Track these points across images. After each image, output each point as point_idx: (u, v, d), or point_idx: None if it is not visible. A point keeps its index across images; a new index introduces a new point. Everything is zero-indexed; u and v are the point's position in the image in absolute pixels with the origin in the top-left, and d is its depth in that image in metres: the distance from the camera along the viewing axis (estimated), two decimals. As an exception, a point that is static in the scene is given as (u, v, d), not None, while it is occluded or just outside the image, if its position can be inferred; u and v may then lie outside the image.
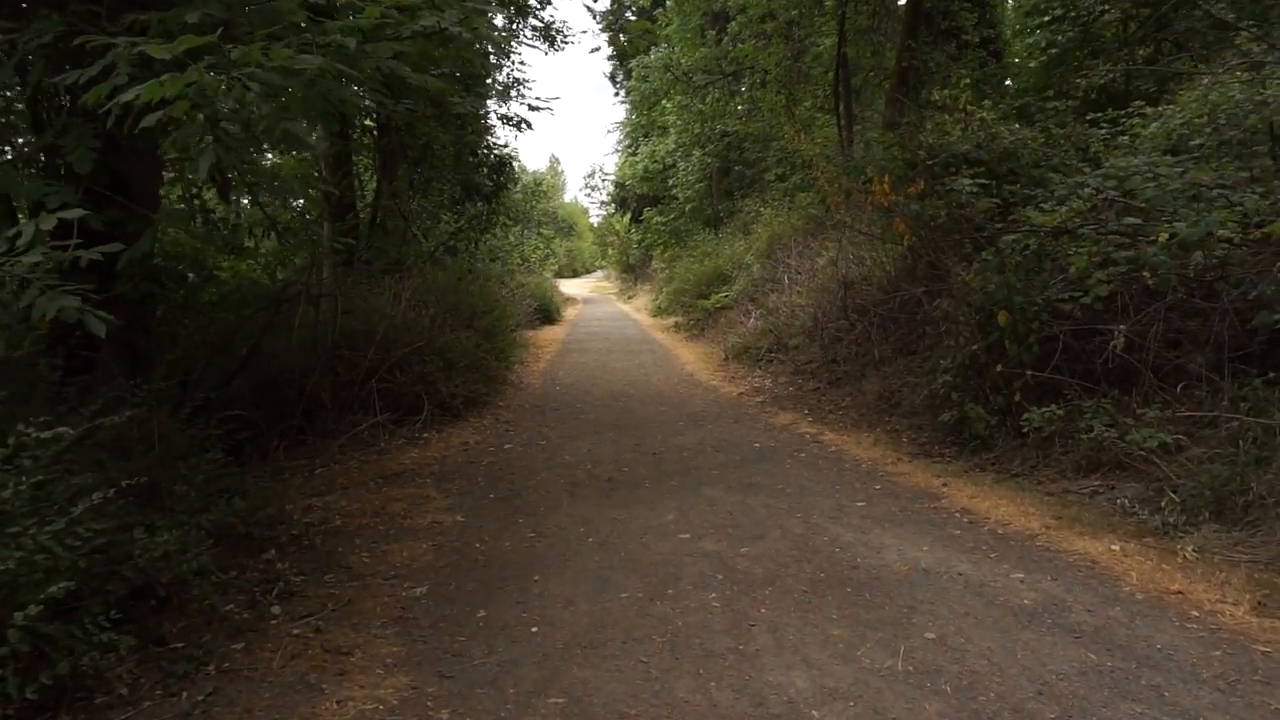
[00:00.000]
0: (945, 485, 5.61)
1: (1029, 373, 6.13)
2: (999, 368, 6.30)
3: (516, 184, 17.78)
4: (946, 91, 9.01)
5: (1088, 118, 8.86)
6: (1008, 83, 15.96)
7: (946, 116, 8.67)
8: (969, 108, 9.22)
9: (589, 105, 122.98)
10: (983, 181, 7.44)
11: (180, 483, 4.03)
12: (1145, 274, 5.75)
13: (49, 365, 4.11)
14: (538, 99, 12.30)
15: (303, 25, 3.01)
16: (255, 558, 4.44)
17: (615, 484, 5.97)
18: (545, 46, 12.85)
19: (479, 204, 13.18)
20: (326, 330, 7.90)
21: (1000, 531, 4.65)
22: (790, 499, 5.45)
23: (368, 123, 12.34)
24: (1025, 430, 5.95)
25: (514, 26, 12.72)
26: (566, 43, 13.42)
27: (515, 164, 15.16)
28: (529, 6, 12.31)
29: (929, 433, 6.95)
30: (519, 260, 23.49)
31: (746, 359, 12.03)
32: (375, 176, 12.06)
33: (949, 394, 6.63)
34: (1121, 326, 5.55)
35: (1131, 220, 6.08)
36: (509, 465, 6.63)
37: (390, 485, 6.02)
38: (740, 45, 17.76)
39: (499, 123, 12.77)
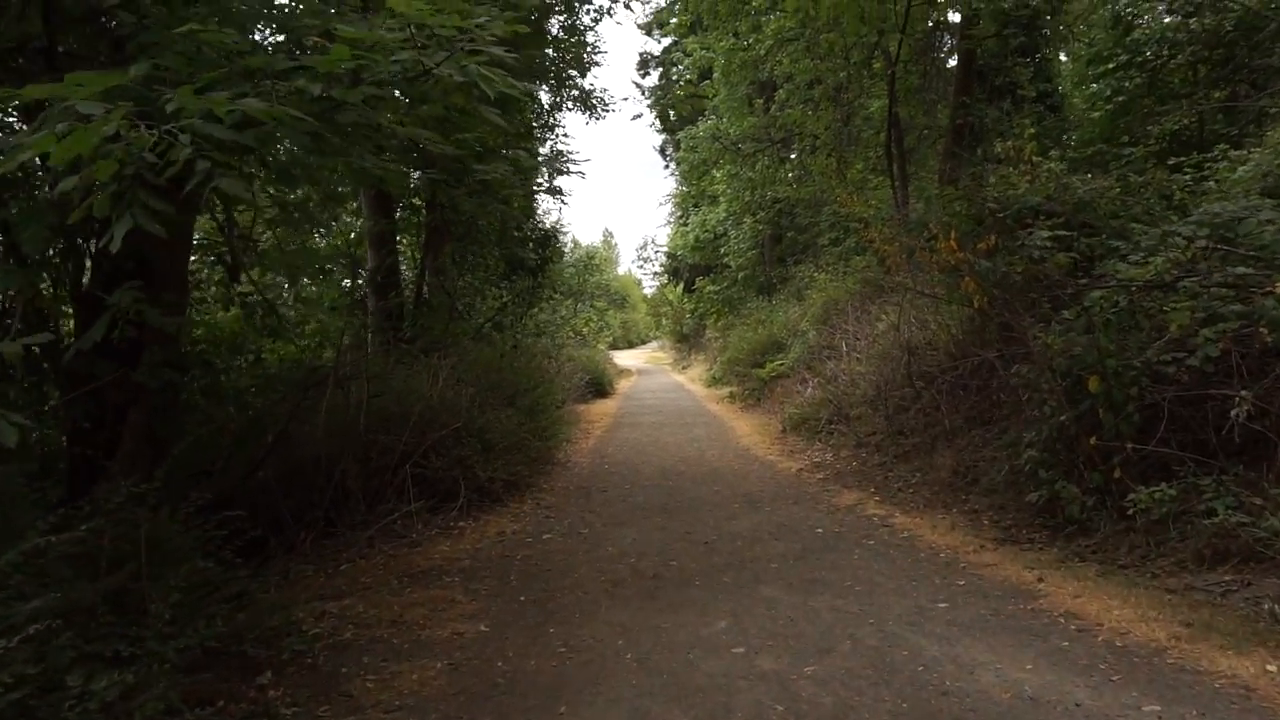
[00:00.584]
0: (1041, 581, 4.80)
1: (1129, 445, 5.34)
2: (1093, 440, 5.51)
3: (563, 257, 17.51)
4: (1010, 144, 8.37)
5: (1169, 163, 8.14)
6: (1064, 136, 15.27)
7: (1011, 169, 8.03)
8: (1034, 159, 8.59)
9: (641, 180, 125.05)
10: (1060, 233, 6.76)
11: (158, 599, 3.51)
12: (1262, 330, 4.98)
13: (19, 469, 3.67)
14: (569, 161, 12.09)
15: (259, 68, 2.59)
16: (249, 681, 3.88)
17: (660, 582, 5.29)
18: (587, 115, 12.65)
19: (526, 278, 12.88)
20: (357, 414, 7.49)
21: (1119, 644, 3.84)
22: (860, 599, 4.71)
23: (415, 201, 12.25)
24: (1130, 512, 5.14)
25: (557, 99, 12.61)
26: (608, 110, 13.24)
27: (563, 236, 14.90)
28: (570, 77, 12.16)
29: (1013, 514, 6.14)
30: (571, 334, 23.21)
31: (805, 431, 11.30)
32: (420, 254, 11.86)
33: (1035, 471, 5.83)
34: (1245, 392, 4.75)
35: (1240, 270, 5.32)
36: (545, 559, 6.01)
37: (415, 585, 5.44)
38: (789, 111, 17.42)
39: (542, 193, 12.49)
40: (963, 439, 7.69)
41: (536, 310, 13.68)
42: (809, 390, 12.25)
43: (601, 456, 11.10)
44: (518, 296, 12.63)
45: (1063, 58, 17.53)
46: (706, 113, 22.78)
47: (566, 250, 27.99)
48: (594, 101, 12.68)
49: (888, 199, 15.56)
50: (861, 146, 16.81)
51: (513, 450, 8.46)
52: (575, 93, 12.43)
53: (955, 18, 15.41)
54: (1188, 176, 7.73)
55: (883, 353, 10.15)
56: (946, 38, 16.53)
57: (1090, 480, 5.54)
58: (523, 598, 5.10)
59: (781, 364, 15.84)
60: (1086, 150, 10.89)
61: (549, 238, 13.21)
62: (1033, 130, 9.54)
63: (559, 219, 16.49)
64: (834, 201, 19.52)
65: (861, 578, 5.12)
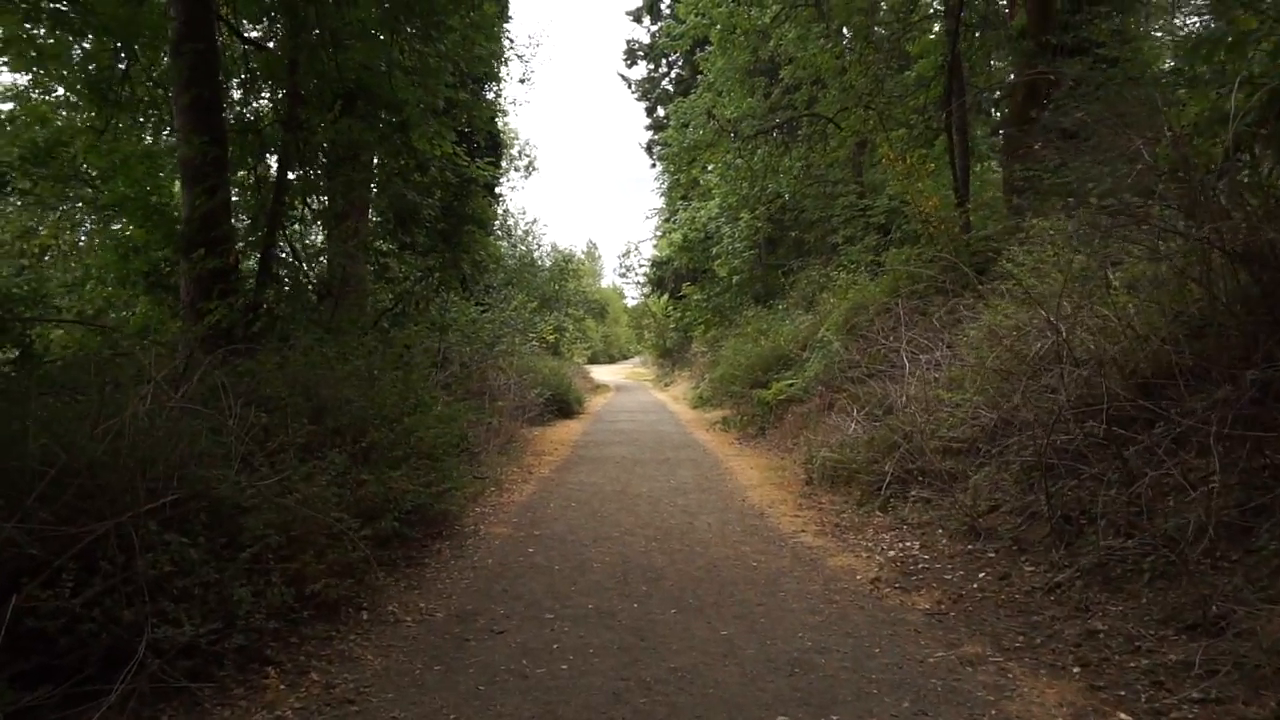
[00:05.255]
0: None
1: None
2: None
3: (496, 222, 12.81)
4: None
5: None
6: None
7: None
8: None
9: (629, 196, 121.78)
10: None
11: None
12: None
13: None
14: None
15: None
16: None
17: None
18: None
19: (435, 250, 8.28)
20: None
21: None
22: None
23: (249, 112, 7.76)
24: None
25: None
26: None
27: (494, 192, 10.28)
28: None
29: None
30: (537, 341, 18.64)
31: (852, 487, 6.84)
32: (269, 199, 7.33)
33: None
34: None
35: None
36: None
37: None
38: (808, 52, 13.03)
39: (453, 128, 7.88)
40: (1263, 552, 3.24)
41: (448, 296, 8.91)
42: (852, 426, 7.75)
43: (533, 522, 6.58)
44: (422, 277, 8.08)
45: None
46: (699, 86, 18.39)
47: (538, 246, 23.49)
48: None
49: (942, 182, 11.27)
50: (905, 111, 12.38)
51: (314, 548, 3.89)
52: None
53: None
54: None
55: (1008, 370, 5.67)
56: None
57: None
58: None
59: (793, 384, 11.42)
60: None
61: (467, 185, 8.59)
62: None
63: (497, 177, 11.13)
64: (847, 194, 15.28)
65: None
